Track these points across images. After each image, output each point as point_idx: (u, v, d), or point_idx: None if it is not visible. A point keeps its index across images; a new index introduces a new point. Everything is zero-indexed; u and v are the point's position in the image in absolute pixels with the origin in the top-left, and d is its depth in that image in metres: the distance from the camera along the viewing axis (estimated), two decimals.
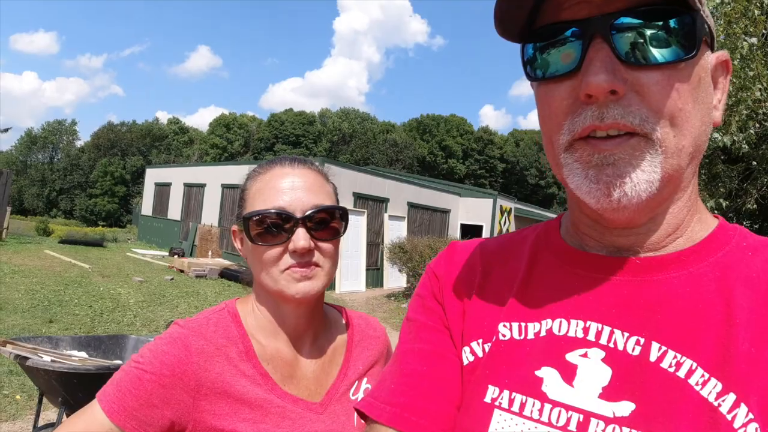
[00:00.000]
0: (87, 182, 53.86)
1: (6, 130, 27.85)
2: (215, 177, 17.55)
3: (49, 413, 3.77)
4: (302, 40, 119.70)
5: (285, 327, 1.02)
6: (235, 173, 16.99)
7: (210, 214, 17.23)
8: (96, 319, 7.72)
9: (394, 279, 15.21)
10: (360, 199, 14.60)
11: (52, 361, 3.02)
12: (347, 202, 13.72)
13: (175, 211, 19.60)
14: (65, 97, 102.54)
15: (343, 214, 1.04)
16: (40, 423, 3.38)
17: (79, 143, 61.00)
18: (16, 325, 6.85)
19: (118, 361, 3.29)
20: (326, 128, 60.08)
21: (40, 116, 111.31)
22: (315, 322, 1.06)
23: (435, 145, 58.13)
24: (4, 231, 14.92)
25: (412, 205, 17.12)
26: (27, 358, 2.98)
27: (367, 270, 14.88)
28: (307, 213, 0.97)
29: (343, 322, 1.15)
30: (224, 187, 16.80)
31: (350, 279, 13.88)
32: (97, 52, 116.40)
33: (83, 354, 3.49)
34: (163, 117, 69.01)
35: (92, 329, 7.14)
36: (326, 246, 1.00)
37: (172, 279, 11.79)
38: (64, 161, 57.45)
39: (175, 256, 15.32)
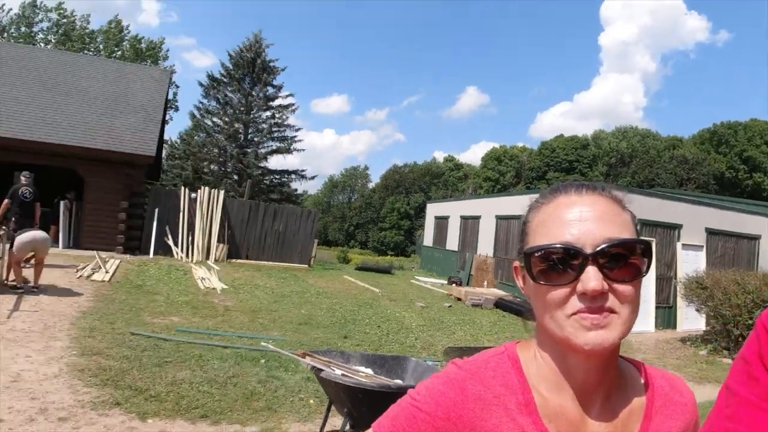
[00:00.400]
0: (378, 218, 60.95)
1: (313, 178, 35.81)
2: (489, 209, 17.96)
3: (335, 419, 4.14)
4: (567, 64, 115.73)
5: (571, 381, 0.87)
6: (509, 204, 17.10)
7: (485, 245, 17.63)
8: (383, 338, 8.45)
9: (690, 320, 13.11)
10: (646, 226, 13.14)
11: (342, 375, 3.31)
12: None
13: (452, 242, 20.63)
14: (357, 147, 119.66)
15: (645, 249, 0.84)
16: (327, 429, 3.73)
17: (370, 185, 69.97)
18: (317, 338, 7.91)
19: (399, 381, 3.44)
20: (601, 151, 56.60)
21: (339, 164, 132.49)
22: (607, 379, 0.89)
23: (734, 157, 49.29)
24: (312, 259, 17.68)
25: (711, 232, 14.69)
26: (321, 370, 3.31)
27: (656, 308, 13.21)
28: (599, 248, 0.80)
29: (642, 381, 0.95)
30: (498, 218, 17.04)
31: (638, 318, 12.45)
32: (380, 106, 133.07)
33: (369, 370, 3.76)
34: (440, 156, 74.60)
35: (379, 347, 7.81)
36: (624, 288, 0.82)
37: (450, 306, 12.30)
38: (359, 200, 66.36)
39: (453, 285, 16.01)
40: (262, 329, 8.10)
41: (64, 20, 36.59)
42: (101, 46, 37.60)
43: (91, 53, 34.74)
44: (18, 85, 15.08)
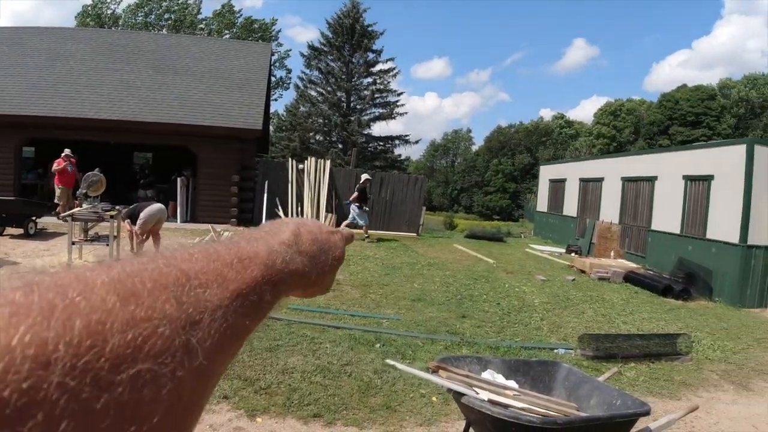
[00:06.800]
0: (482, 181, 58.99)
1: (416, 142, 34.41)
2: (614, 170, 16.24)
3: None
4: (685, 7, 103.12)
5: None
6: (636, 165, 15.32)
7: (609, 211, 16.00)
8: (504, 318, 7.63)
9: None
10: None
11: (489, 401, 2.58)
12: None
13: (570, 207, 18.99)
14: (461, 109, 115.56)
15: None
16: None
17: (474, 147, 67.59)
18: (433, 317, 7.23)
19: (571, 415, 2.65)
20: (730, 101, 50.38)
21: (442, 128, 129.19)
22: None
23: None
24: (420, 227, 17.03)
25: None
26: (462, 395, 2.61)
27: None
28: None
29: None
30: (625, 180, 15.34)
31: None
32: (483, 66, 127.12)
33: (513, 383, 3.03)
34: (547, 114, 70.43)
35: (501, 329, 7.03)
36: None
37: (573, 280, 11.15)
38: (462, 164, 64.43)
39: (573, 254, 14.73)
40: (375, 306, 7.59)
41: (176, 8, 38.03)
42: (212, 29, 38.75)
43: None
44: (129, 69, 15.57)
